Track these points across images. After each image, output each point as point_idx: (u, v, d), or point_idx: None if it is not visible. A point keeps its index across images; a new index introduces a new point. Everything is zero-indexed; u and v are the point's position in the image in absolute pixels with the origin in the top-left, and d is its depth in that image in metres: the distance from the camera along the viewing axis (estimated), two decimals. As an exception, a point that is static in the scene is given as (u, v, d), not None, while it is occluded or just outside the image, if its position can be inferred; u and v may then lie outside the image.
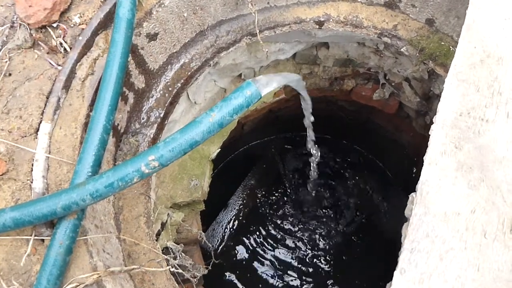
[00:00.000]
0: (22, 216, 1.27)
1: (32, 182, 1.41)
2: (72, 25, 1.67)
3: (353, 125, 3.87)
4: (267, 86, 1.46)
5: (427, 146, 1.44)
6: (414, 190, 1.37)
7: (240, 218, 4.17)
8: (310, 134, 2.60)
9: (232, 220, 4.18)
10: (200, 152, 2.77)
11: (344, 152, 4.35)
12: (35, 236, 1.35)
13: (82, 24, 1.67)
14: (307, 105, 2.20)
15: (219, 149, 2.82)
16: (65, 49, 1.64)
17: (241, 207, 4.23)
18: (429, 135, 1.44)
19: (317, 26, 2.15)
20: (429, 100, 2.73)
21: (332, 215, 4.12)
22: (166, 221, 2.65)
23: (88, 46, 1.64)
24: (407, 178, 3.89)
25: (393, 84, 2.87)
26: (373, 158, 4.28)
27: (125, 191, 1.82)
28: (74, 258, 1.37)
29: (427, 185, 1.31)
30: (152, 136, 1.92)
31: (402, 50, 2.10)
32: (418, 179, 1.36)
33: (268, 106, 2.99)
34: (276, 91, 2.84)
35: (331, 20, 2.13)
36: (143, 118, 1.94)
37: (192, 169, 2.72)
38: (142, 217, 1.83)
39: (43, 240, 1.36)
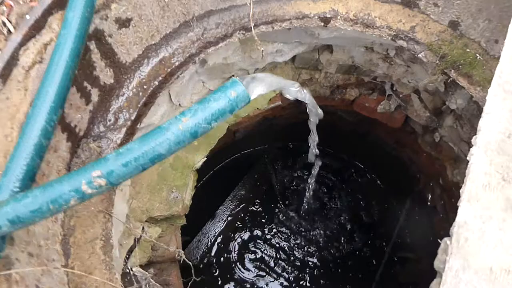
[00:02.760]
0: None
1: None
2: (20, 1, 1.29)
3: (352, 138, 3.50)
4: (258, 88, 1.08)
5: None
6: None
7: (228, 230, 3.80)
8: (313, 147, 2.20)
9: (219, 232, 3.81)
10: (183, 161, 2.38)
11: (340, 165, 3.99)
12: None
13: (33, 0, 1.29)
14: (315, 116, 1.82)
15: (205, 158, 2.44)
16: (8, 30, 1.26)
17: (229, 218, 3.86)
18: (468, 157, 1.07)
19: (322, 24, 1.78)
20: (441, 115, 2.37)
21: (323, 231, 3.74)
22: (141, 236, 2.26)
23: (38, 27, 1.26)
24: (406, 197, 3.54)
25: (400, 96, 2.51)
26: (371, 174, 3.91)
27: (79, 207, 1.44)
28: (-14, 304, 0.98)
29: (466, 229, 0.93)
30: (119, 141, 1.54)
31: (419, 55, 1.74)
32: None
33: (263, 113, 2.62)
34: (271, 96, 2.47)
35: (338, 17, 1.76)
36: (109, 120, 1.55)
37: (173, 180, 2.33)
38: (98, 240, 1.44)
39: None
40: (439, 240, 0.99)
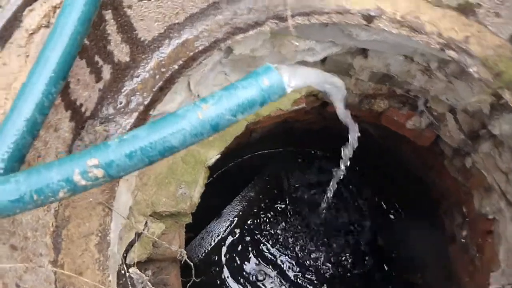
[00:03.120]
0: None
1: None
2: (33, -45, 1.12)
3: (375, 153, 3.28)
4: (297, 79, 0.89)
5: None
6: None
7: (233, 230, 3.62)
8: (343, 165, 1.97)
9: (223, 232, 3.62)
10: (196, 156, 2.19)
11: (357, 180, 3.76)
12: None
13: (49, -45, 1.12)
14: (351, 128, 1.60)
15: (219, 156, 2.25)
16: (16, -15, 1.08)
17: (235, 219, 3.67)
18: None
19: (365, 22, 1.58)
20: (476, 139, 2.14)
21: (331, 249, 3.51)
22: (143, 231, 2.09)
23: (49, -14, 1.08)
24: (424, 222, 3.31)
25: (434, 114, 2.29)
26: (389, 194, 3.67)
27: (76, 197, 1.26)
28: None
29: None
30: (128, 127, 1.36)
31: (470, 70, 1.53)
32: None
33: (285, 115, 2.42)
34: (296, 97, 2.28)
35: (383, 17, 1.56)
36: (120, 102, 1.37)
37: (182, 174, 2.15)
38: (93, 236, 1.26)
39: None
40: None
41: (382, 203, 3.65)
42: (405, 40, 1.64)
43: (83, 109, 1.26)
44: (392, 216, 3.57)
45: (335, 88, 1.15)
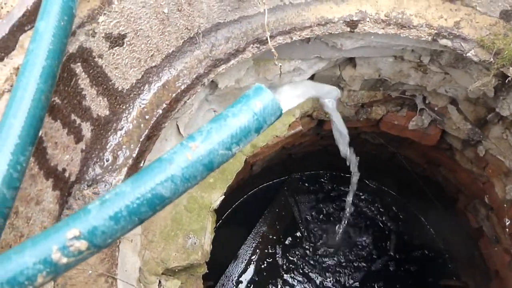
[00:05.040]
0: None
1: None
2: (-15, 20, 1.02)
3: (378, 161, 3.15)
4: (291, 95, 0.77)
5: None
6: None
7: (252, 270, 3.43)
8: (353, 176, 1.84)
9: (243, 273, 3.44)
10: (199, 201, 2.05)
11: (367, 193, 3.61)
12: None
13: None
14: (341, 134, 1.49)
15: (223, 197, 2.10)
16: (-29, 54, 0.98)
17: (252, 257, 3.49)
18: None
19: (348, 29, 1.48)
20: (485, 125, 2.02)
21: (356, 265, 3.33)
22: (158, 291, 1.92)
23: (6, 48, 0.97)
24: (445, 221, 3.14)
25: (435, 109, 2.17)
26: (403, 199, 3.51)
27: (73, 272, 1.10)
28: None
29: None
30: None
31: (468, 55, 1.42)
32: None
33: (281, 141, 2.28)
34: (290, 121, 2.15)
35: (367, 20, 1.46)
36: (107, 160, 1.24)
37: (188, 224, 1.99)
38: (99, 312, 1.10)
39: None
40: None
41: (398, 211, 3.48)
42: (393, 39, 1.55)
43: (66, 174, 1.13)
44: (411, 223, 3.39)
45: (330, 94, 1.02)
